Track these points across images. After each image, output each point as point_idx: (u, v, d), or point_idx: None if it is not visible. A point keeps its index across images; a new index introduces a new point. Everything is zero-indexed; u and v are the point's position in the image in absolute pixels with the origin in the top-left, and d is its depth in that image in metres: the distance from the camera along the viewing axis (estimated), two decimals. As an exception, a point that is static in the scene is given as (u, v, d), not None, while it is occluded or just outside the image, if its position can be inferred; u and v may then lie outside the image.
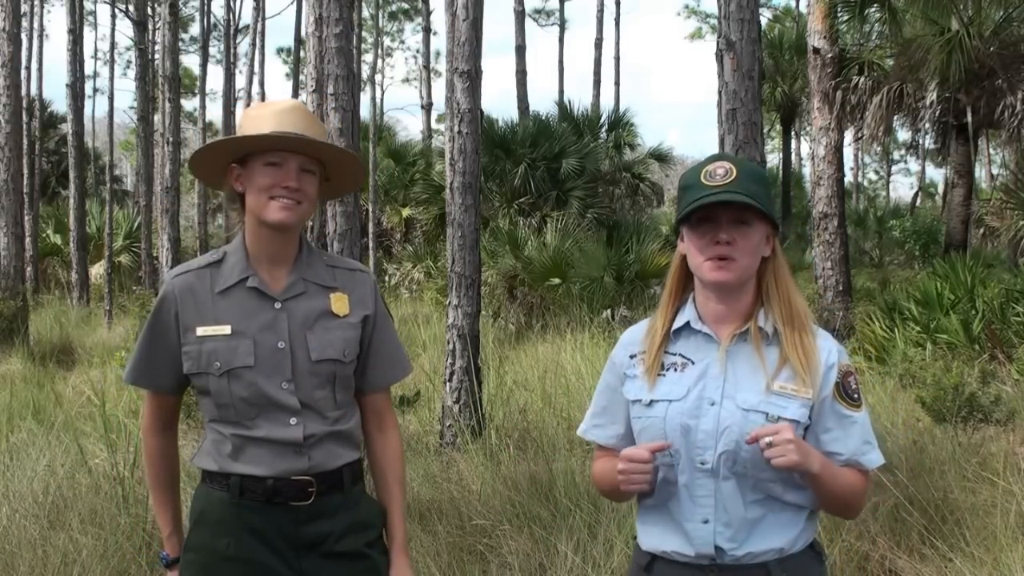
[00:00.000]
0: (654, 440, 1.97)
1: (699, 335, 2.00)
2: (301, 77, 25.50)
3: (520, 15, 25.55)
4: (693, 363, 1.99)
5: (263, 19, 29.60)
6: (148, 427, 2.33)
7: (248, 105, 28.68)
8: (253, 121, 2.18)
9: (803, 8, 23.18)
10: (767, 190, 1.99)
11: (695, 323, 2.01)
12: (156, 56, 25.39)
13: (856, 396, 1.96)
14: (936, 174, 46.45)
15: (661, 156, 20.65)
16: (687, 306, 2.03)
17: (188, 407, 5.76)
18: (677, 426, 1.95)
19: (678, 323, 2.03)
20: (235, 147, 2.20)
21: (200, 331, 2.18)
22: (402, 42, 57.56)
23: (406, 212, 23.52)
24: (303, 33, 17.92)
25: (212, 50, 36.77)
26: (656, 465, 1.95)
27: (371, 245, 21.84)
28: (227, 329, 2.17)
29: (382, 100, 39.45)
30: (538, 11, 39.25)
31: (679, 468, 1.96)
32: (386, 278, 21.49)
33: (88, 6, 29.35)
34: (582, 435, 2.21)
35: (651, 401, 2.00)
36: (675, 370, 2.00)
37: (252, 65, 32.04)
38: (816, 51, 12.70)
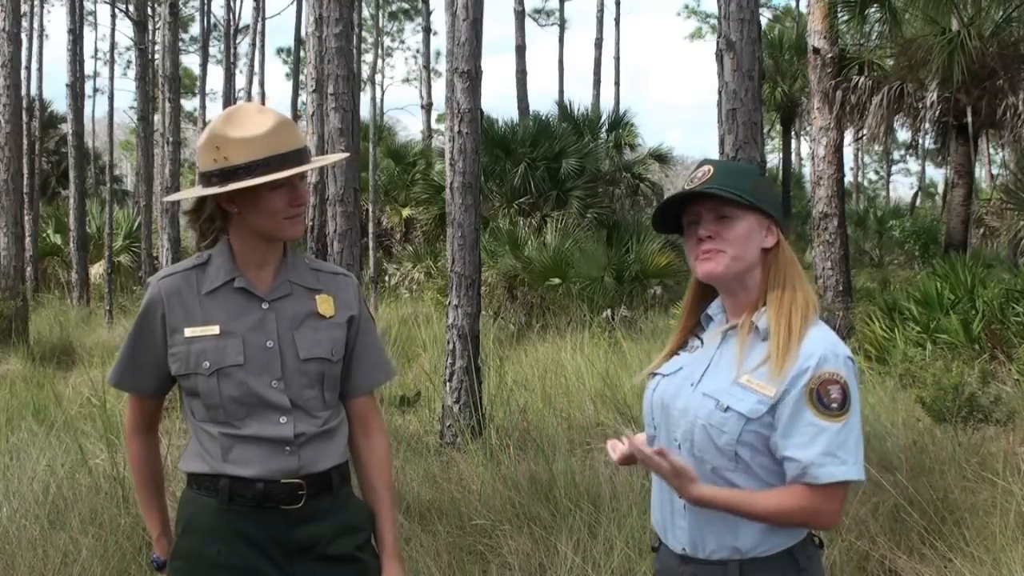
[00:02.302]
0: (644, 414, 2.10)
1: (714, 322, 2.08)
2: (301, 77, 25.49)
3: (520, 15, 25.56)
4: (703, 346, 2.06)
5: (263, 19, 29.59)
6: (131, 428, 2.34)
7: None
8: (241, 146, 2.11)
9: (803, 8, 23.15)
10: (750, 182, 1.99)
11: (712, 310, 2.08)
12: (156, 56, 25.38)
13: (834, 407, 1.84)
14: (936, 174, 46.49)
15: (661, 156, 20.65)
16: (718, 297, 2.10)
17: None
18: (660, 400, 2.03)
19: (706, 311, 2.11)
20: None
21: (188, 332, 2.17)
22: (402, 42, 57.64)
23: (406, 212, 23.51)
24: (303, 33, 17.94)
25: (212, 50, 36.82)
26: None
27: (371, 245, 21.83)
28: (216, 329, 2.17)
29: (382, 100, 39.48)
30: (538, 11, 39.29)
31: (660, 442, 2.02)
32: (386, 278, 21.48)
33: (88, 6, 29.39)
34: None
35: (653, 374, 2.10)
36: (689, 351, 2.08)
37: (252, 65, 32.04)
38: (816, 51, 12.70)
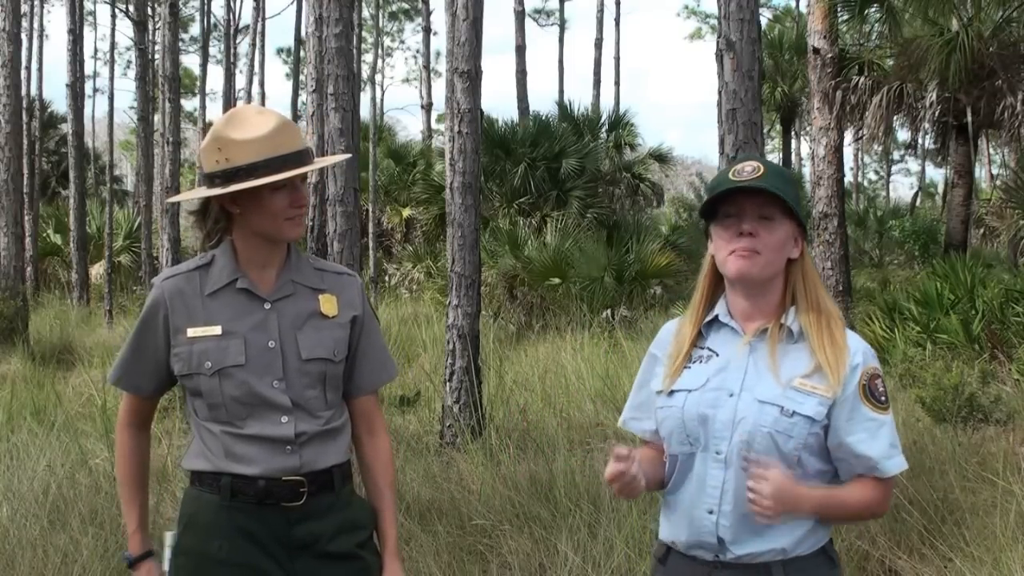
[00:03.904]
0: (672, 431, 2.02)
1: (726, 328, 2.04)
2: (301, 77, 25.49)
3: (520, 15, 25.51)
4: (718, 355, 2.02)
5: (263, 19, 29.59)
6: (124, 422, 2.35)
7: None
8: (243, 147, 2.13)
9: (803, 8, 23.16)
10: (795, 191, 2.00)
11: (723, 317, 2.04)
12: (156, 56, 25.37)
13: (883, 399, 1.94)
14: (936, 174, 46.41)
15: (661, 156, 20.64)
16: (720, 302, 2.06)
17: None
18: (695, 415, 1.98)
19: (709, 317, 2.06)
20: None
21: (191, 332, 2.19)
22: (402, 42, 57.51)
23: (406, 212, 23.51)
24: (303, 33, 17.91)
25: (212, 50, 36.76)
26: (634, 470, 1.93)
27: (371, 245, 21.84)
28: (217, 329, 2.18)
29: (382, 100, 39.43)
30: (538, 11, 39.21)
31: (697, 457, 1.99)
32: (386, 278, 21.49)
33: (88, 6, 29.37)
34: (621, 425, 2.24)
35: (672, 391, 2.04)
36: (700, 362, 2.04)
37: (252, 65, 32.06)
38: (816, 51, 12.69)
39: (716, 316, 2.05)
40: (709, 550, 1.96)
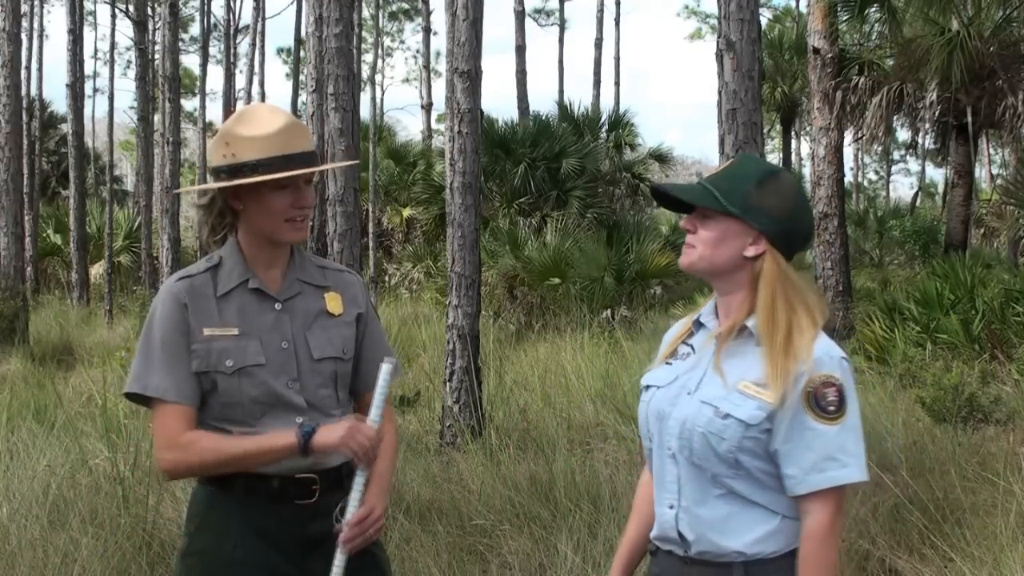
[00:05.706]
0: (640, 426, 2.06)
1: (705, 328, 2.04)
2: (301, 77, 25.48)
3: (520, 15, 25.51)
4: (694, 352, 2.02)
5: (263, 19, 29.59)
6: (177, 432, 2.15)
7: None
8: (250, 144, 2.14)
9: (803, 8, 23.18)
10: (744, 187, 1.93)
11: (703, 315, 2.05)
12: (156, 56, 25.40)
13: (831, 409, 1.84)
14: (936, 174, 46.41)
15: (661, 156, 20.64)
16: (710, 300, 2.08)
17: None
18: (656, 411, 1.99)
19: (696, 315, 2.08)
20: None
21: (207, 331, 2.18)
22: (402, 42, 57.53)
23: (406, 212, 23.50)
24: (303, 33, 17.92)
25: (212, 50, 36.76)
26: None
27: (371, 245, 21.83)
28: (234, 331, 2.19)
29: (382, 100, 39.41)
30: (538, 11, 39.17)
31: (655, 453, 2.01)
32: (386, 278, 21.49)
33: (88, 6, 29.34)
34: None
35: (646, 386, 2.05)
36: (680, 359, 2.03)
37: (252, 65, 32.04)
38: (816, 51, 12.69)
39: (700, 315, 2.07)
40: (677, 545, 1.96)
